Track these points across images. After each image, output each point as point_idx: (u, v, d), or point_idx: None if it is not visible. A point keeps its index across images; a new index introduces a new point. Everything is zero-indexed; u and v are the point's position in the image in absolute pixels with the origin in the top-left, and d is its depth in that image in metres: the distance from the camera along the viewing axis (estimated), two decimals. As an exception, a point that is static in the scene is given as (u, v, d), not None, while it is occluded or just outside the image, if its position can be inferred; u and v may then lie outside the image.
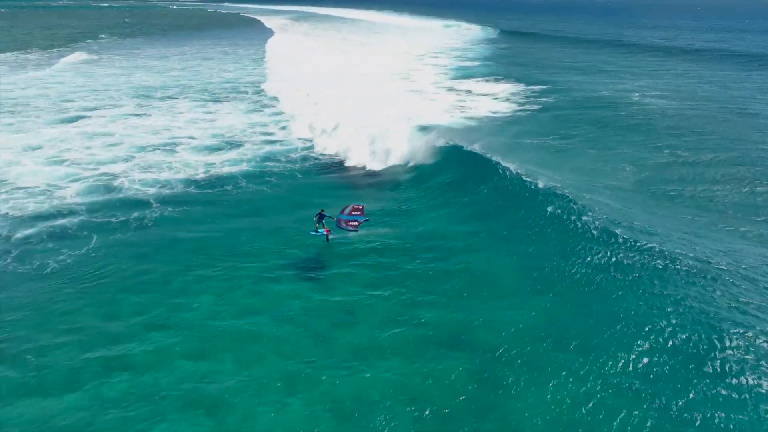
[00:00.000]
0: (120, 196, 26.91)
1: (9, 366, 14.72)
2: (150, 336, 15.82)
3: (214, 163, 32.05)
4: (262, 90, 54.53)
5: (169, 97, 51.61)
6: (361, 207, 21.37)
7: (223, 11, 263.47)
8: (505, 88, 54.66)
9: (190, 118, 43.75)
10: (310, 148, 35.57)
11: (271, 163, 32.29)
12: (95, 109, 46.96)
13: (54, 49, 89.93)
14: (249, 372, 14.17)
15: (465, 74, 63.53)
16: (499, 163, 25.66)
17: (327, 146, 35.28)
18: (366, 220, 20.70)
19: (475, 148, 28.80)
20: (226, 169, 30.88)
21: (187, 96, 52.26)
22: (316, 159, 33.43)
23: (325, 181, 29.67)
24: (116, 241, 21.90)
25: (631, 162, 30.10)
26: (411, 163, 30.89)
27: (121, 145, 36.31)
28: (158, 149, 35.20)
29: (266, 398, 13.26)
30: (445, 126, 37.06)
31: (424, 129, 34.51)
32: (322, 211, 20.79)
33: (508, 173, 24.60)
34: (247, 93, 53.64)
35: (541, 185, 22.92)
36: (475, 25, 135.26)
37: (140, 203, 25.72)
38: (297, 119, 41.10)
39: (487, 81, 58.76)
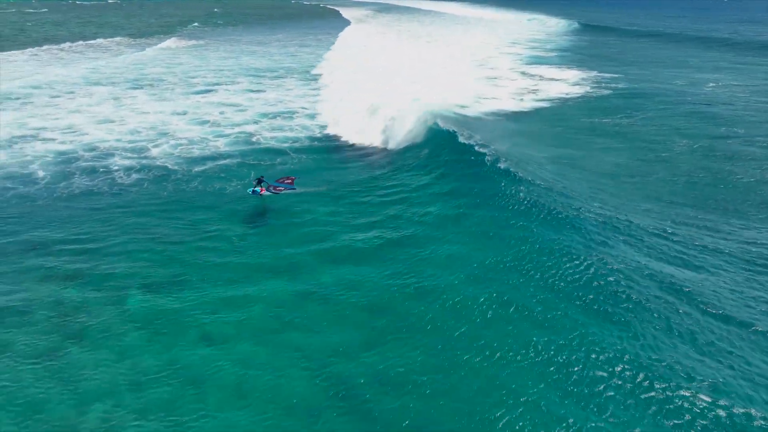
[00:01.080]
0: (260, 147, 34.85)
1: (218, 245, 22.31)
2: (298, 241, 22.61)
3: (327, 125, 39.56)
4: (351, 73, 61.98)
5: (278, 77, 60.16)
6: (293, 179, 26.93)
7: (305, 2, 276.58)
8: (576, 74, 59.47)
9: (298, 93, 51.82)
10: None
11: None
12: (217, 84, 56.08)
13: (164, 35, 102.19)
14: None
15: (539, 62, 68.55)
16: (493, 149, 30.81)
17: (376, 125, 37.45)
18: (293, 189, 26.07)
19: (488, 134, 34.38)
20: (338, 130, 38.30)
21: (293, 76, 60.61)
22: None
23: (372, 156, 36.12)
24: (270, 176, 29.53)
25: (683, 137, 34.88)
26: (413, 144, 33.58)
27: (247, 111, 44.63)
28: (278, 116, 43.18)
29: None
30: (505, 110, 42.87)
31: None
32: (262, 177, 26.15)
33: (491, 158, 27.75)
34: (343, 75, 61.19)
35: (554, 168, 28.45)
36: (557, 18, 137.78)
37: (279, 152, 33.51)
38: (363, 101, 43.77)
39: (560, 68, 63.63)
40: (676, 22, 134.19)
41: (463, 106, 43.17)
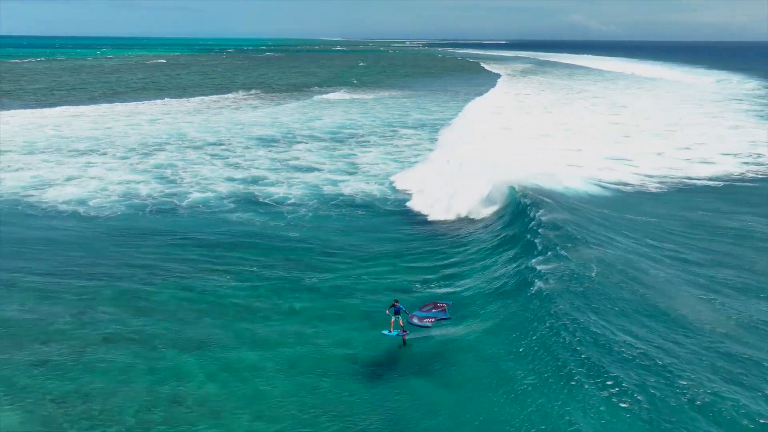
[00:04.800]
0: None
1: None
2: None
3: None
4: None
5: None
6: (444, 306, 20.45)
7: (439, 55, 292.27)
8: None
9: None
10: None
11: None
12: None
13: (353, 86, 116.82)
14: None
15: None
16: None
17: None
18: (446, 318, 19.86)
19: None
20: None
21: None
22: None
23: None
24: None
25: None
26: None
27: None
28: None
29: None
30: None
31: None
32: (396, 302, 19.00)
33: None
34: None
35: None
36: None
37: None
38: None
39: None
40: None
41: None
